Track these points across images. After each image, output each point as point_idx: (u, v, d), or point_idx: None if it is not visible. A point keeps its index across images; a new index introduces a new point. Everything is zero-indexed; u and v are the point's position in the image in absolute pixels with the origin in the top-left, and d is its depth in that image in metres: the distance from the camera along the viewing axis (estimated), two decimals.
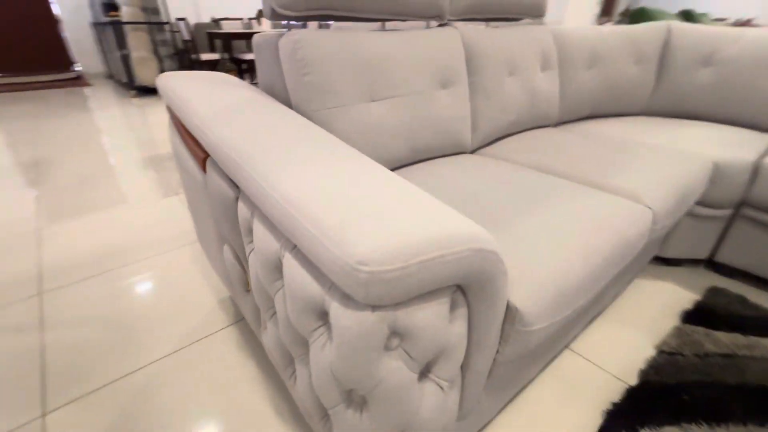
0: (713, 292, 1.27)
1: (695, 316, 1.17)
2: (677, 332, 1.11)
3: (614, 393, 0.94)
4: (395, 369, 0.44)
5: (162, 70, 4.54)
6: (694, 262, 1.45)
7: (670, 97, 1.60)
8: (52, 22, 5.30)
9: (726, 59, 1.49)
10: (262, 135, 0.62)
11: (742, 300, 1.23)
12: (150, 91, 4.62)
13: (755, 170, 1.20)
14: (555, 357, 1.05)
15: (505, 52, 1.22)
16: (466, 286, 0.49)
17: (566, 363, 1.03)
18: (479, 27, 1.20)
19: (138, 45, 4.24)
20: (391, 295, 0.39)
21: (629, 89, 1.58)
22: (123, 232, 1.63)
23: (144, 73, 4.35)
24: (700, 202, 1.26)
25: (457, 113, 1.11)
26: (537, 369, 0.91)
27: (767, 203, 1.19)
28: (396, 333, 0.43)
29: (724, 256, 1.34)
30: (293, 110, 0.88)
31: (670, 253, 1.38)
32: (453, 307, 0.50)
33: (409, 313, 0.42)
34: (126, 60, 4.33)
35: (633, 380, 0.98)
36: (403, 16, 1.03)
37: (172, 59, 4.59)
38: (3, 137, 2.91)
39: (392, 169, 1.03)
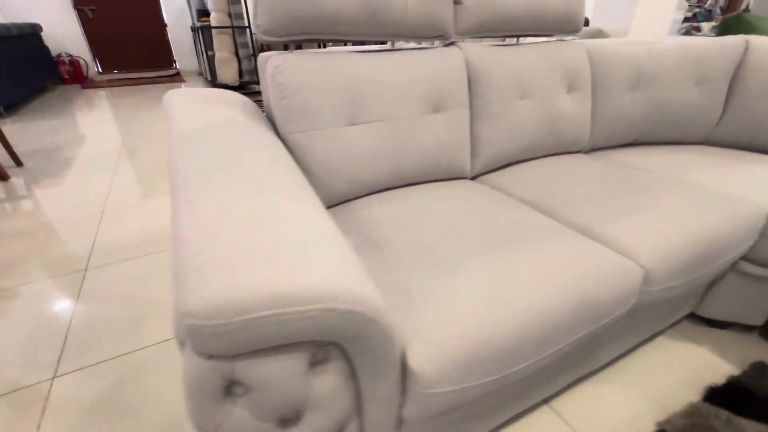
0: (758, 368, 1.05)
1: (723, 394, 0.98)
2: (691, 410, 0.94)
3: None
4: (239, 416, 0.45)
5: (241, 71, 4.98)
6: (746, 328, 1.21)
7: (741, 126, 1.34)
8: (161, 26, 6.10)
9: None
10: (207, 160, 0.66)
11: None
12: (230, 89, 5.09)
13: None
14: (529, 411, 0.95)
15: (517, 73, 1.13)
16: (340, 342, 0.48)
17: (540, 422, 0.93)
18: (488, 46, 1.12)
19: (222, 47, 4.69)
20: (221, 347, 0.40)
21: (687, 115, 1.36)
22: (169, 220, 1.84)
23: (225, 73, 4.81)
24: (752, 259, 1.05)
25: (452, 138, 1.06)
26: (496, 423, 0.84)
27: None
28: (238, 382, 0.44)
29: None
30: (277, 131, 0.92)
31: (710, 313, 1.17)
32: (323, 361, 0.49)
33: (249, 366, 0.42)
34: (211, 60, 4.83)
35: None
36: (399, 37, 1.01)
37: (249, 60, 5.01)
38: (106, 126, 3.43)
39: (373, 192, 1.02)
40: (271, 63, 0.89)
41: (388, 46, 1.08)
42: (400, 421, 0.62)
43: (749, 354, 1.13)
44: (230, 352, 0.41)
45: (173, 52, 6.30)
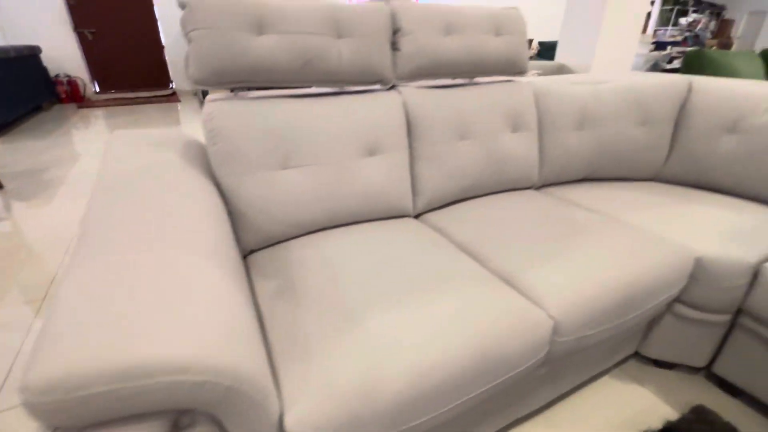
0: (697, 413, 1.04)
1: None
2: None
3: None
4: None
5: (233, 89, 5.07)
6: (692, 369, 1.20)
7: (686, 164, 1.37)
8: (159, 47, 6.26)
9: (756, 128, 1.23)
10: (115, 211, 0.68)
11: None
12: None
13: (754, 275, 0.97)
14: None
15: (457, 115, 1.16)
16: (202, 408, 0.48)
17: None
18: (429, 89, 1.16)
19: None
20: (61, 421, 0.41)
21: (634, 153, 1.39)
22: None
23: (216, 93, 4.91)
24: (685, 302, 1.05)
25: (391, 180, 1.08)
26: None
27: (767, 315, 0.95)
28: None
29: (722, 370, 1.09)
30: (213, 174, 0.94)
31: (654, 353, 1.16)
32: (190, 425, 0.50)
33: None
34: None
35: None
36: (335, 84, 1.04)
37: None
38: (97, 146, 3.49)
39: (312, 232, 1.04)
40: (205, 109, 0.92)
41: (327, 89, 1.11)
42: None
43: (692, 396, 1.12)
44: (75, 424, 0.42)
45: (170, 73, 6.44)
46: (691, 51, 2.12)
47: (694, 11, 11.79)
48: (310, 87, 1.05)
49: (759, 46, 11.20)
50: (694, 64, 2.16)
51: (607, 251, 0.94)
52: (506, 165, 1.26)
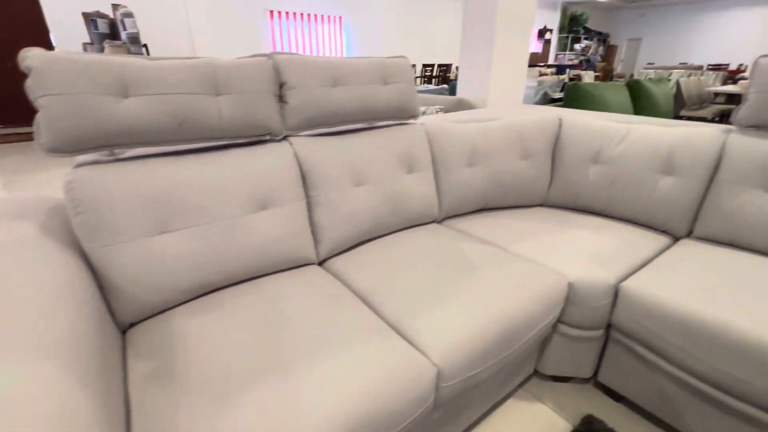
0: (586, 423, 1.14)
1: None
2: None
3: None
4: None
5: None
6: (583, 379, 1.32)
7: (565, 191, 1.54)
8: None
9: (613, 157, 1.43)
10: None
11: None
12: None
13: (615, 294, 1.10)
14: None
15: (352, 161, 1.20)
16: None
17: None
18: (321, 138, 1.18)
19: None
20: None
21: (521, 184, 1.53)
22: None
23: None
24: (566, 322, 1.16)
25: (286, 232, 1.07)
26: None
27: (630, 328, 1.08)
28: None
29: (605, 378, 1.22)
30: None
31: (550, 371, 1.26)
32: None
33: None
34: None
35: None
36: (218, 140, 1.02)
37: None
38: None
39: (202, 295, 0.99)
40: (67, 178, 0.85)
41: (213, 143, 1.08)
42: None
43: (584, 406, 1.22)
44: None
45: None
46: (569, 84, 2.45)
47: (585, 38, 13.55)
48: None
49: (639, 65, 13.11)
50: (572, 96, 2.48)
51: (492, 287, 1.01)
52: (405, 204, 1.31)
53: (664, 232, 1.38)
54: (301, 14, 8.10)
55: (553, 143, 1.56)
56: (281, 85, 1.11)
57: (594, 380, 1.31)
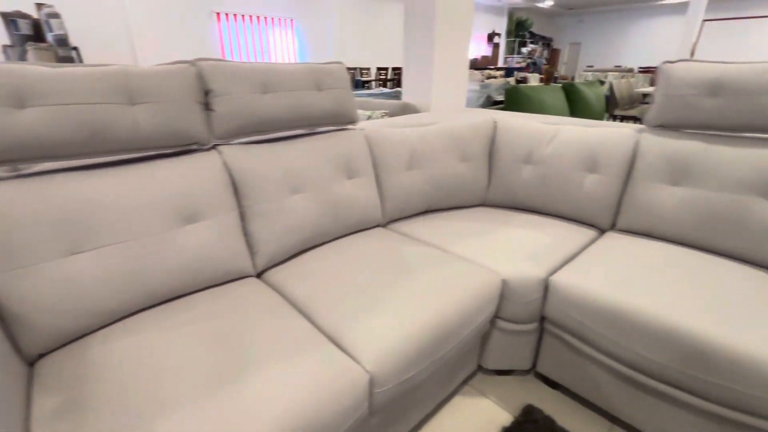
0: (526, 413, 1.19)
1: None
2: None
3: None
4: None
5: None
6: (524, 371, 1.38)
7: (502, 191, 1.60)
8: None
9: (543, 158, 1.51)
10: None
11: (550, 424, 1.15)
12: None
13: (545, 287, 1.16)
14: None
15: (287, 169, 1.18)
16: None
17: None
18: (253, 147, 1.15)
19: None
20: None
21: (461, 185, 1.57)
22: None
23: None
24: (502, 317, 1.21)
25: (220, 244, 1.03)
26: None
27: (559, 320, 1.14)
28: None
29: (543, 369, 1.28)
30: None
31: (492, 365, 1.30)
32: None
33: None
34: None
35: None
36: (136, 152, 0.97)
37: None
38: None
39: (124, 317, 0.92)
40: None
41: (131, 154, 1.02)
42: None
43: (525, 396, 1.27)
44: None
45: None
46: (509, 88, 2.57)
47: (531, 42, 14.28)
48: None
49: (580, 68, 13.99)
50: (512, 99, 2.61)
51: (427, 289, 1.03)
52: (347, 210, 1.31)
53: (592, 226, 1.48)
54: (250, 17, 7.89)
55: (489, 145, 1.62)
56: (207, 93, 1.07)
57: (534, 371, 1.37)
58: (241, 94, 1.10)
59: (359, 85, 8.33)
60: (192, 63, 1.05)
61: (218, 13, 7.36)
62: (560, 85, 3.04)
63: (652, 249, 1.24)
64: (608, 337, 1.03)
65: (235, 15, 7.68)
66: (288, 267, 1.17)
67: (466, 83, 2.37)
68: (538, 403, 1.25)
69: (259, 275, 1.17)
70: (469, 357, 1.25)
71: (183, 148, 1.07)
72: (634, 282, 1.06)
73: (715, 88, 1.21)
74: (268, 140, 1.23)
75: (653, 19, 12.48)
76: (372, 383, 0.81)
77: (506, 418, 1.20)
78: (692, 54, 10.00)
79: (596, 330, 1.05)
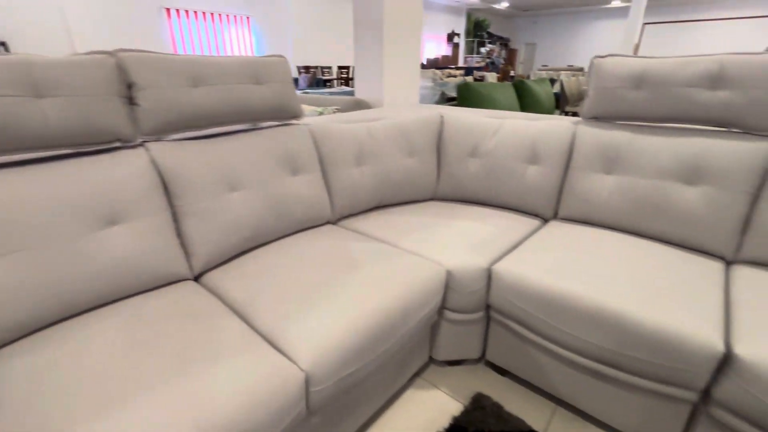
0: (475, 401, 1.21)
1: None
2: None
3: None
4: None
5: None
6: (475, 360, 1.41)
7: (451, 184, 1.62)
8: None
9: (488, 151, 1.54)
10: None
11: (498, 410, 1.17)
12: None
13: (488, 277, 1.18)
14: None
15: (225, 166, 1.13)
16: None
17: None
18: (185, 143, 1.10)
19: None
20: None
21: (410, 180, 1.58)
22: None
23: None
24: (449, 308, 1.22)
25: (146, 248, 0.97)
26: None
27: (503, 307, 1.17)
28: None
29: (492, 356, 1.31)
30: None
31: (443, 356, 1.32)
32: None
33: None
34: None
35: None
36: (47, 149, 0.89)
37: None
38: None
39: (43, 328, 0.85)
40: None
41: (44, 153, 0.94)
42: None
43: (476, 385, 1.30)
44: None
45: None
46: (461, 85, 2.62)
47: (489, 42, 14.69)
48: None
49: (536, 67, 14.55)
50: (464, 95, 2.67)
51: (370, 283, 1.02)
52: (291, 207, 1.28)
53: (536, 215, 1.53)
54: (204, 13, 7.59)
55: (436, 140, 1.64)
56: (130, 86, 1.00)
57: (484, 360, 1.40)
58: (168, 87, 1.04)
59: (320, 83, 8.22)
60: (111, 54, 0.98)
61: (168, 9, 7.02)
62: (511, 82, 3.15)
63: (588, 235, 1.30)
64: (547, 321, 1.07)
65: (187, 11, 7.35)
66: (227, 268, 1.12)
67: (418, 80, 2.39)
68: (487, 391, 1.27)
69: (196, 278, 1.12)
70: (419, 349, 1.25)
71: (105, 146, 1.00)
72: (568, 267, 1.10)
73: (639, 81, 1.28)
74: (205, 136, 1.18)
75: (600, 21, 13.21)
76: (308, 382, 0.79)
77: (456, 407, 1.21)
78: (635, 53, 10.67)
79: (536, 315, 1.09)
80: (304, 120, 1.49)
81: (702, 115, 1.20)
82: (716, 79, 1.16)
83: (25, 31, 5.40)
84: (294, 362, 0.80)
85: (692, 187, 1.20)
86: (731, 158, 1.14)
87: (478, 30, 14.08)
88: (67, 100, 0.88)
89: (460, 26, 13.77)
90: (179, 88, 1.06)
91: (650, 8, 11.82)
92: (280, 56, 1.34)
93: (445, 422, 1.16)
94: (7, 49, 4.33)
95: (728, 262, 1.19)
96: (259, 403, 0.70)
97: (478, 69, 10.69)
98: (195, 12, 7.47)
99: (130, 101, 1.01)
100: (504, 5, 12.98)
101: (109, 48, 1.00)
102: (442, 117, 1.65)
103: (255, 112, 1.23)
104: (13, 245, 0.80)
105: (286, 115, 1.33)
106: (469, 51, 14.27)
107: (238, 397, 0.69)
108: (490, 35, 14.71)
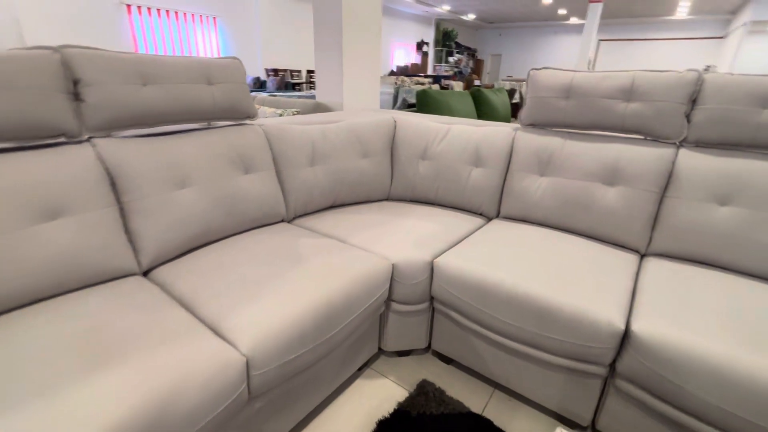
0: (419, 387, 1.28)
1: (389, 422, 1.15)
2: None
3: None
4: None
5: None
6: (423, 350, 1.48)
7: (403, 185, 1.71)
8: None
9: (437, 153, 1.64)
10: None
11: (440, 395, 1.25)
12: None
13: (431, 269, 1.27)
14: None
15: (173, 163, 1.15)
16: None
17: None
18: (133, 140, 1.11)
19: None
20: None
21: (364, 181, 1.65)
22: None
23: None
24: (396, 300, 1.29)
25: (91, 243, 0.97)
26: None
27: (444, 298, 1.25)
28: None
29: (437, 345, 1.39)
30: None
31: (392, 347, 1.38)
32: None
33: None
34: None
35: None
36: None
37: None
38: None
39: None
40: None
41: None
42: None
43: (423, 373, 1.37)
44: None
45: None
46: (419, 91, 2.75)
47: (457, 52, 15.17)
48: None
49: (501, 77, 15.13)
50: (422, 102, 2.79)
51: (315, 275, 1.07)
52: (242, 206, 1.31)
53: (480, 214, 1.64)
54: (167, 12, 7.39)
55: (390, 143, 1.72)
56: (76, 82, 1.01)
57: (431, 350, 1.48)
58: (116, 84, 1.05)
59: (289, 86, 8.19)
60: (56, 49, 0.99)
61: (129, 6, 6.79)
62: (469, 91, 3.31)
63: (523, 232, 1.41)
64: (481, 309, 1.16)
65: (149, 8, 7.14)
66: (177, 264, 1.14)
67: (378, 85, 2.48)
68: (433, 378, 1.35)
69: (145, 274, 1.13)
70: (369, 340, 1.32)
71: (50, 141, 1.00)
72: (500, 260, 1.20)
73: (567, 92, 1.42)
74: (156, 134, 1.19)
75: (559, 36, 13.96)
76: (249, 366, 0.83)
77: (402, 394, 1.28)
78: (591, 67, 11.32)
79: (472, 304, 1.18)
80: (259, 120, 1.53)
81: (619, 124, 1.35)
82: (629, 92, 1.31)
83: None
84: (235, 347, 0.84)
85: (612, 188, 1.34)
86: (642, 162, 1.29)
87: (446, 40, 14.50)
88: (7, 93, 0.88)
89: (429, 35, 14.13)
90: (128, 85, 1.08)
91: (608, 26, 12.66)
92: (234, 58, 1.38)
93: (391, 408, 1.22)
94: None
95: (642, 255, 1.34)
96: (197, 385, 0.74)
97: (446, 77, 11.02)
98: (158, 10, 7.26)
99: (76, 97, 1.02)
100: (471, 17, 13.45)
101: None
102: (395, 121, 1.74)
103: (206, 111, 1.26)
104: None
105: (239, 115, 1.37)
106: (438, 60, 14.65)
107: (178, 378, 0.72)
108: (458, 45, 15.18)
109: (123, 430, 0.64)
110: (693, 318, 0.94)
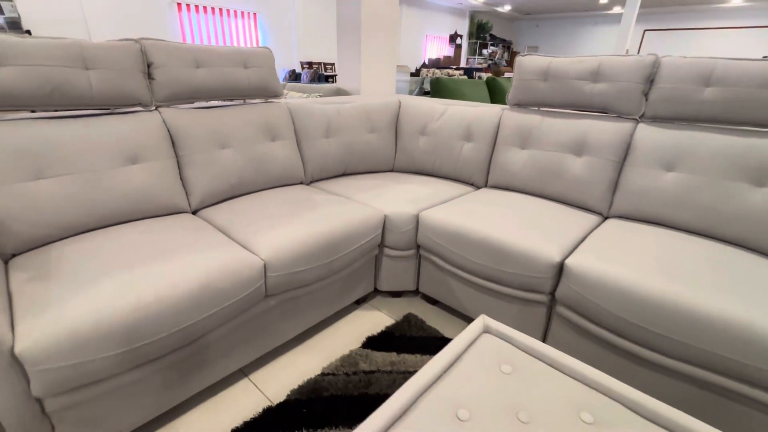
0: (405, 318, 1.56)
1: (375, 340, 1.44)
2: (345, 356, 1.35)
3: (257, 413, 1.14)
4: None
5: None
6: (414, 293, 1.76)
7: (405, 158, 1.98)
8: None
9: (434, 130, 1.89)
10: None
11: (421, 324, 1.53)
12: None
13: (417, 221, 1.53)
14: (227, 382, 1.24)
15: (217, 129, 1.49)
16: None
17: (236, 390, 1.22)
18: (189, 110, 1.45)
19: None
20: None
21: (371, 152, 1.93)
22: None
23: None
24: (387, 245, 1.57)
25: (156, 183, 1.32)
26: (188, 394, 1.09)
27: (426, 244, 1.52)
28: None
29: (424, 288, 1.66)
30: None
31: (385, 287, 1.67)
32: None
33: None
34: None
35: (281, 400, 1.19)
36: (89, 108, 1.25)
37: None
38: None
39: (80, 233, 1.21)
40: None
41: (93, 110, 1.30)
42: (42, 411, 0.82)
43: (409, 310, 1.65)
44: None
45: None
46: (432, 79, 2.98)
47: (492, 44, 15.02)
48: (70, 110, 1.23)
49: None
50: (436, 89, 3.02)
51: (322, 217, 1.37)
52: (269, 165, 1.63)
53: (471, 184, 1.88)
54: (213, 9, 7.97)
55: (395, 120, 1.99)
56: (149, 65, 1.36)
57: (420, 293, 1.75)
58: (177, 67, 1.40)
59: (322, 78, 8.59)
60: (136, 41, 1.34)
61: (179, 4, 7.41)
62: (484, 79, 3.50)
63: (503, 197, 1.64)
64: (455, 251, 1.42)
65: (197, 6, 7.74)
66: (218, 207, 1.48)
67: (393, 73, 2.74)
68: (417, 313, 1.62)
69: (194, 213, 1.48)
70: (365, 278, 1.61)
71: (129, 109, 1.36)
72: (474, 215, 1.45)
73: (545, 75, 1.62)
74: (205, 107, 1.54)
75: (598, 27, 13.48)
76: (266, 268, 1.15)
77: (391, 322, 1.56)
78: None
79: (448, 247, 1.44)
80: (284, 100, 1.85)
81: (587, 102, 1.54)
82: (596, 74, 1.51)
83: (46, 21, 5.79)
84: (257, 255, 1.15)
85: (579, 158, 1.55)
86: (605, 135, 1.49)
87: (480, 32, 14.39)
88: (105, 72, 1.24)
89: (463, 28, 14.09)
90: (185, 68, 1.42)
91: (653, 14, 12.08)
92: (266, 47, 1.70)
93: (379, 330, 1.51)
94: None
95: (606, 217, 1.54)
96: (228, 274, 1.06)
97: (479, 70, 11.04)
98: (204, 7, 7.85)
99: (149, 76, 1.37)
100: (507, 8, 13.27)
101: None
102: (400, 102, 2.00)
103: (242, 89, 1.59)
104: (66, 169, 1.16)
105: (268, 93, 1.69)
106: (472, 52, 14.59)
107: (213, 269, 1.04)
108: (493, 37, 15.03)
109: (185, 292, 0.97)
110: (621, 257, 1.16)
